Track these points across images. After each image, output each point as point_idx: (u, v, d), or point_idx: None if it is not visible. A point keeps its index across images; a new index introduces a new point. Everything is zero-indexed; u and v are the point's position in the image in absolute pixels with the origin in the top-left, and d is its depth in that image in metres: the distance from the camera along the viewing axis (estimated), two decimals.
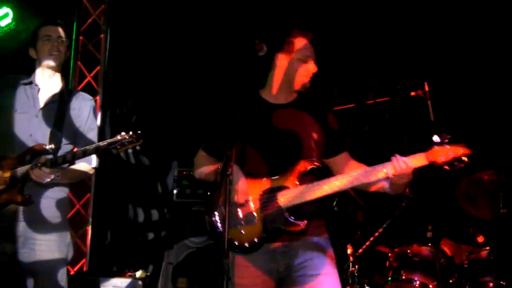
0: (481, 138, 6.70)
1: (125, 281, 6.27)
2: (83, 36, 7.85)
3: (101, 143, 3.87)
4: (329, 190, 3.51)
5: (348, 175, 3.54)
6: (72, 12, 7.79)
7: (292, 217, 3.48)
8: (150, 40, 7.79)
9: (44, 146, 4.03)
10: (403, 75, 6.58)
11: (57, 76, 4.37)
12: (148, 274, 6.46)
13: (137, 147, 3.92)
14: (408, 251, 5.59)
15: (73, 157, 3.96)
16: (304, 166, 3.57)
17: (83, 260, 7.45)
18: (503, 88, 6.91)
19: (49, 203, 4.18)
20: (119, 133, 3.88)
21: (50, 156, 4.02)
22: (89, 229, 7.52)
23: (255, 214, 3.51)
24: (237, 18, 7.48)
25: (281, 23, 7.17)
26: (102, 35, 7.87)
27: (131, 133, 3.85)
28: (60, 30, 4.33)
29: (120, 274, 6.46)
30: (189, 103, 7.71)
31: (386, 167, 3.45)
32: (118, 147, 3.84)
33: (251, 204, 3.53)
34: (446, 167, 3.42)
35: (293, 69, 3.73)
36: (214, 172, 3.62)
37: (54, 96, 4.30)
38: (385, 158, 3.52)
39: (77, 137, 4.35)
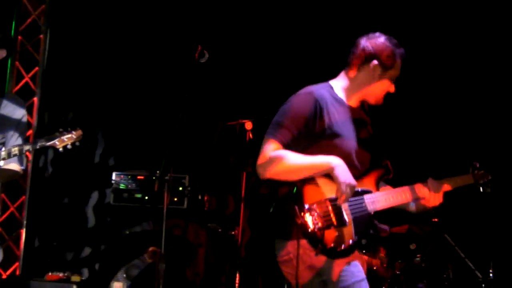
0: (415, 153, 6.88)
1: (59, 285, 6.21)
2: (22, 36, 7.71)
3: (39, 140, 3.89)
4: (401, 201, 3.64)
5: (403, 189, 3.67)
6: (11, 11, 7.64)
7: (378, 222, 3.45)
8: (91, 42, 7.71)
9: None
10: None
11: None
12: (83, 278, 6.41)
13: (77, 143, 3.94)
14: None
15: (9, 154, 3.95)
16: (381, 171, 3.59)
17: (16, 264, 7.31)
18: (437, 99, 7.10)
19: None
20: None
21: None
22: (23, 232, 7.39)
23: (346, 215, 3.33)
24: (181, 22, 7.48)
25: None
26: (41, 36, 7.74)
27: (69, 129, 3.90)
28: None
29: (54, 278, 6.39)
30: (129, 106, 7.66)
31: (423, 187, 3.68)
32: (57, 143, 3.87)
33: (342, 205, 3.36)
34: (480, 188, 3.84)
35: (380, 83, 3.60)
36: (312, 166, 3.36)
37: None
38: None
39: (7, 139, 4.24)
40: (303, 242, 3.27)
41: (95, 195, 7.58)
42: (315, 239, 3.25)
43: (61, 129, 3.90)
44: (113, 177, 6.87)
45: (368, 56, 3.56)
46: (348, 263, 3.34)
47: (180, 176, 6.65)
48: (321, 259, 3.30)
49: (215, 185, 7.13)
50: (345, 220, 3.31)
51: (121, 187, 6.82)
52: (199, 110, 7.11)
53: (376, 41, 3.59)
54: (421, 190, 3.68)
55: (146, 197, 6.75)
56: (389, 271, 5.78)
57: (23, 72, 7.65)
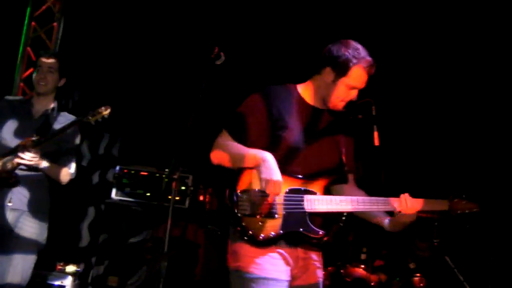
0: (423, 164, 6.86)
1: (55, 274, 6.21)
2: (36, 22, 7.70)
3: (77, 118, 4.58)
4: (351, 208, 3.56)
5: (362, 199, 3.59)
6: None
7: (312, 224, 3.45)
8: (105, 34, 7.70)
9: (31, 138, 4.50)
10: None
11: (50, 99, 4.93)
12: (79, 269, 6.40)
13: (105, 116, 4.47)
14: (342, 271, 5.68)
15: (53, 134, 4.55)
16: (333, 177, 3.60)
17: None
18: (449, 113, 7.09)
19: (33, 194, 4.71)
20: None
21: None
22: None
23: (277, 208, 3.42)
24: (199, 22, 7.47)
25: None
26: (55, 23, 7.73)
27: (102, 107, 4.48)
28: (52, 60, 4.85)
29: (51, 267, 6.38)
30: (138, 101, 7.65)
31: (394, 202, 3.57)
32: (90, 117, 4.42)
33: (276, 198, 3.43)
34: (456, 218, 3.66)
35: (334, 89, 3.60)
36: (244, 157, 3.45)
37: (45, 111, 4.87)
38: None
39: (62, 142, 4.78)
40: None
41: (97, 192, 7.57)
42: (237, 223, 3.40)
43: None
44: (116, 170, 6.87)
45: (325, 61, 3.61)
46: (265, 258, 3.41)
47: (184, 176, 6.64)
48: (241, 245, 3.43)
49: (218, 186, 7.11)
50: (274, 213, 3.41)
51: (123, 181, 6.81)
52: (208, 111, 7.09)
53: (339, 47, 3.59)
54: (391, 204, 3.57)
55: (148, 194, 6.75)
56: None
57: (34, 58, 7.62)
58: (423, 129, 7.16)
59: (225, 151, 3.56)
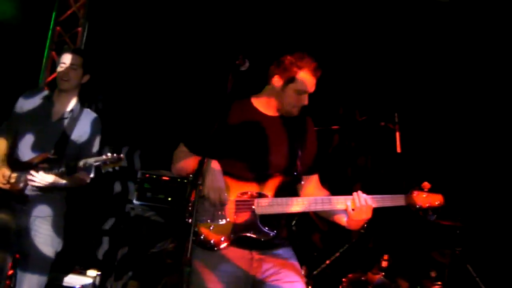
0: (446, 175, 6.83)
1: (75, 278, 6.24)
2: (60, 26, 7.76)
3: (88, 159, 4.47)
4: (302, 208, 3.64)
5: (314, 199, 3.67)
6: (52, 1, 7.70)
7: (263, 226, 3.56)
8: (128, 39, 7.73)
9: (48, 154, 4.56)
10: (374, 105, 6.71)
11: (72, 96, 4.88)
12: (100, 273, 6.42)
13: (117, 168, 4.51)
14: (362, 278, 5.67)
15: (68, 168, 4.52)
16: (285, 178, 3.66)
17: None
18: (470, 125, 7.05)
19: (49, 198, 4.68)
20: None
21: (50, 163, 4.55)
22: None
23: (226, 214, 3.56)
24: (222, 27, 7.49)
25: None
26: (79, 28, 7.79)
27: (114, 155, 4.41)
28: (75, 57, 4.81)
29: (71, 271, 6.40)
30: (161, 107, 7.68)
31: (347, 200, 3.61)
32: (102, 164, 4.41)
33: (227, 203, 3.57)
34: (420, 213, 3.65)
35: (285, 96, 3.77)
36: (194, 164, 3.55)
37: (66, 112, 4.80)
38: (347, 185, 3.61)
39: (81, 148, 4.78)
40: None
41: (118, 197, 7.61)
42: (189, 229, 3.42)
43: (109, 154, 4.42)
44: (138, 175, 6.89)
45: (273, 70, 3.79)
46: (208, 270, 3.52)
47: None
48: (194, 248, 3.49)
49: None
50: (224, 218, 3.56)
51: (145, 186, 6.83)
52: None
53: (285, 56, 3.77)
54: (345, 203, 3.62)
55: (169, 199, 6.77)
56: None
57: None
58: (448, 135, 7.12)
59: (180, 163, 3.82)
